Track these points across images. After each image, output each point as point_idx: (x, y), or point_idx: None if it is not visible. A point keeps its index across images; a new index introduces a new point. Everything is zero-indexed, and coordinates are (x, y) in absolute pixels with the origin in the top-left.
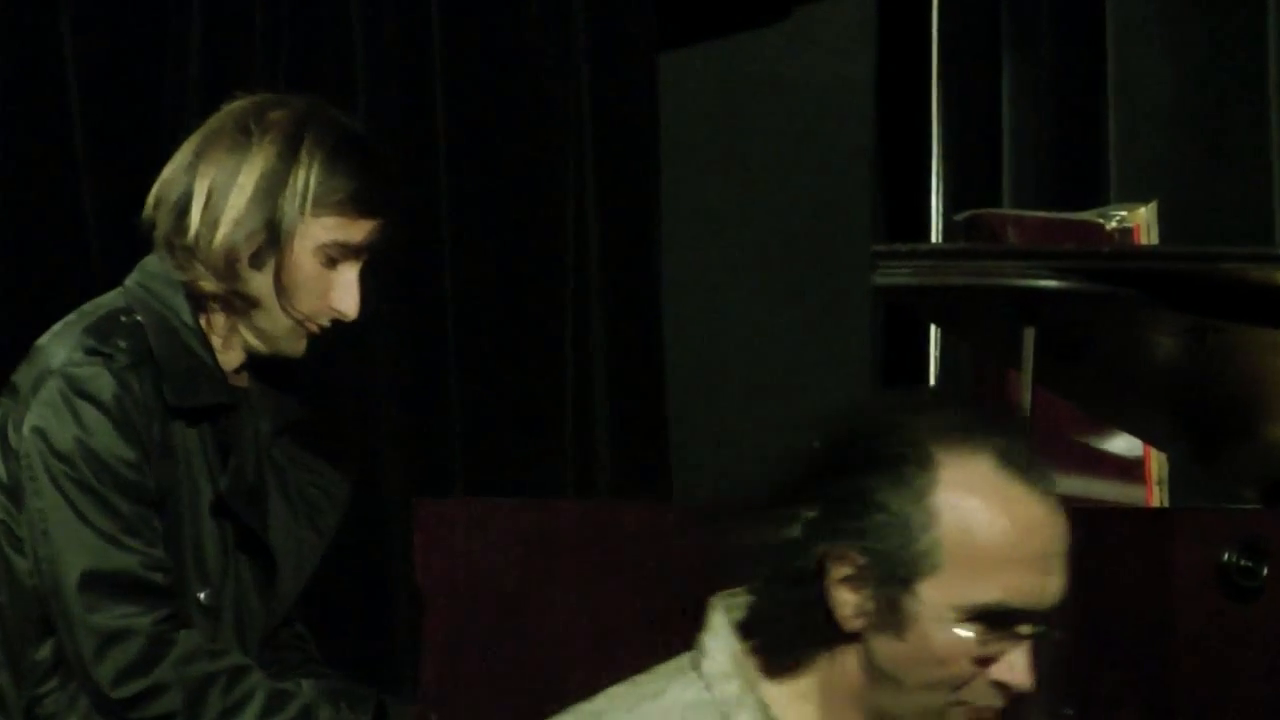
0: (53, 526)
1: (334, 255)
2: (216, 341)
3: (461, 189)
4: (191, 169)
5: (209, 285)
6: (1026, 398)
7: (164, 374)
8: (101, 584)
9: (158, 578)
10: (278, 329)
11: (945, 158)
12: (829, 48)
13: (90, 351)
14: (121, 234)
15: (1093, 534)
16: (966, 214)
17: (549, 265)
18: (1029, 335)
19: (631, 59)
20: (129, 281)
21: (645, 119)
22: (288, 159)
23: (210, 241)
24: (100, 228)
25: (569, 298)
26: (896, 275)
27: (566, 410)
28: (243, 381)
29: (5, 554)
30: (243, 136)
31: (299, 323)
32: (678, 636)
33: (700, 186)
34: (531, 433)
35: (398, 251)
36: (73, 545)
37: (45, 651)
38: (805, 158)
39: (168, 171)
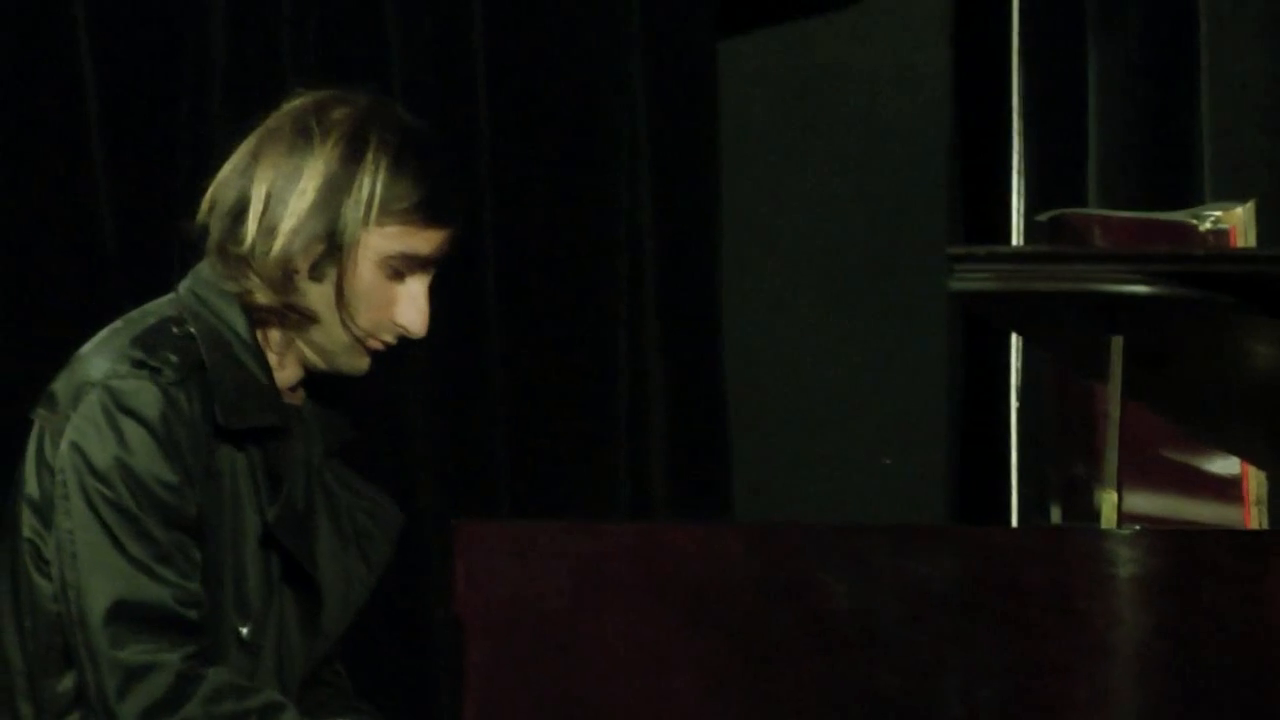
0: (82, 549)
1: (399, 267)
2: (273, 358)
3: (505, 188)
4: (248, 172)
5: (264, 298)
6: (1114, 412)
7: (215, 392)
8: (130, 616)
9: (190, 614)
10: (337, 345)
11: (1027, 153)
12: (901, 34)
13: (137, 364)
14: (140, 234)
15: (1187, 559)
16: (1050, 214)
17: (600, 269)
18: (1117, 344)
19: (689, 47)
20: (181, 288)
21: (704, 113)
22: (351, 163)
23: (267, 251)
24: (117, 227)
25: (621, 303)
26: (975, 280)
27: (619, 425)
28: (297, 400)
29: (30, 577)
30: (302, 138)
31: (359, 339)
32: (739, 670)
33: (763, 185)
34: (581, 449)
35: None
36: (102, 572)
37: (67, 683)
38: (876, 154)
39: (223, 174)
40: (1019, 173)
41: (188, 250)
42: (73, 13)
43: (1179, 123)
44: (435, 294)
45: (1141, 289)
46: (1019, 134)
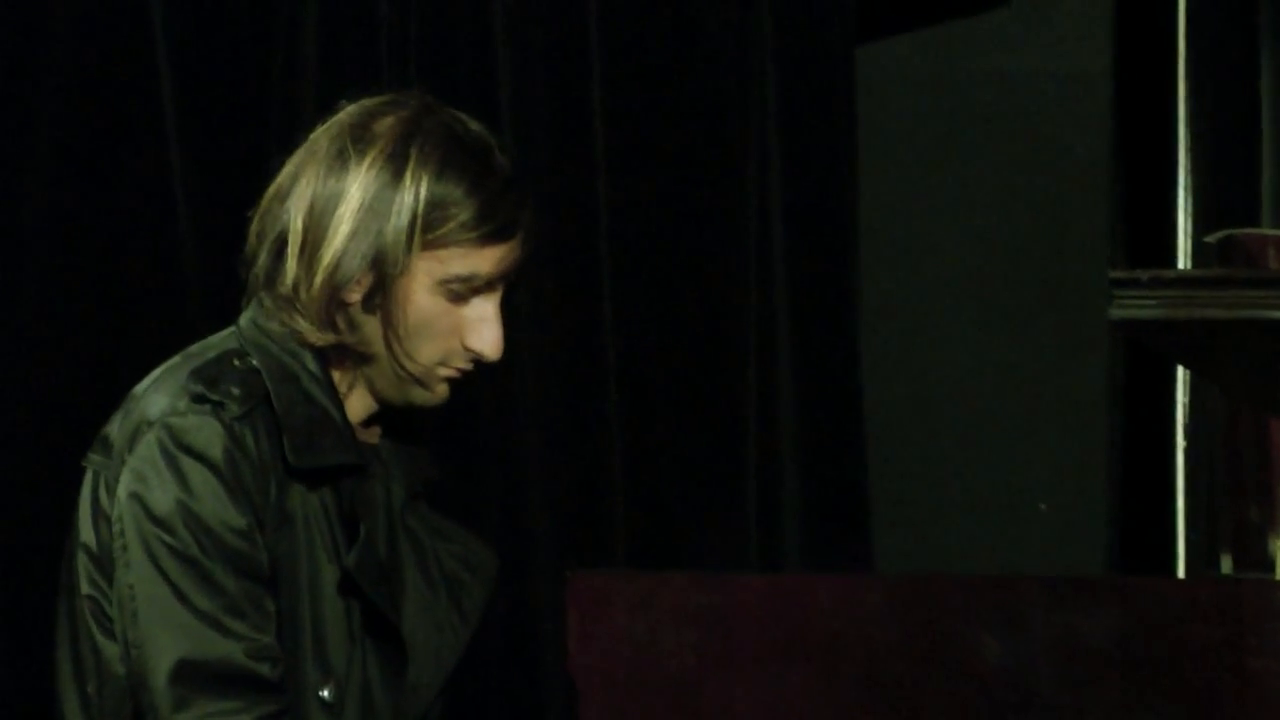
0: (144, 606)
1: (460, 291)
2: (341, 391)
3: (623, 204)
4: (288, 199)
5: (315, 338)
6: None
7: (284, 428)
8: (197, 676)
9: (264, 669)
10: (404, 379)
11: (1194, 168)
12: (1058, 37)
13: (197, 399)
14: (223, 257)
15: None
16: (1220, 234)
17: (727, 293)
18: None
19: (825, 51)
20: (242, 321)
21: (841, 123)
22: (390, 184)
23: (309, 288)
24: (198, 248)
25: (751, 331)
26: (1138, 307)
27: (748, 466)
28: (373, 437)
29: (94, 637)
30: (339, 159)
31: (425, 371)
32: None
33: (904, 203)
34: (707, 493)
35: (548, 276)
36: (165, 629)
37: None
38: (1028, 169)
39: (266, 199)
40: (1186, 189)
41: (239, 286)
42: (150, 16)
43: None
44: (546, 324)
45: None
46: (1186, 146)
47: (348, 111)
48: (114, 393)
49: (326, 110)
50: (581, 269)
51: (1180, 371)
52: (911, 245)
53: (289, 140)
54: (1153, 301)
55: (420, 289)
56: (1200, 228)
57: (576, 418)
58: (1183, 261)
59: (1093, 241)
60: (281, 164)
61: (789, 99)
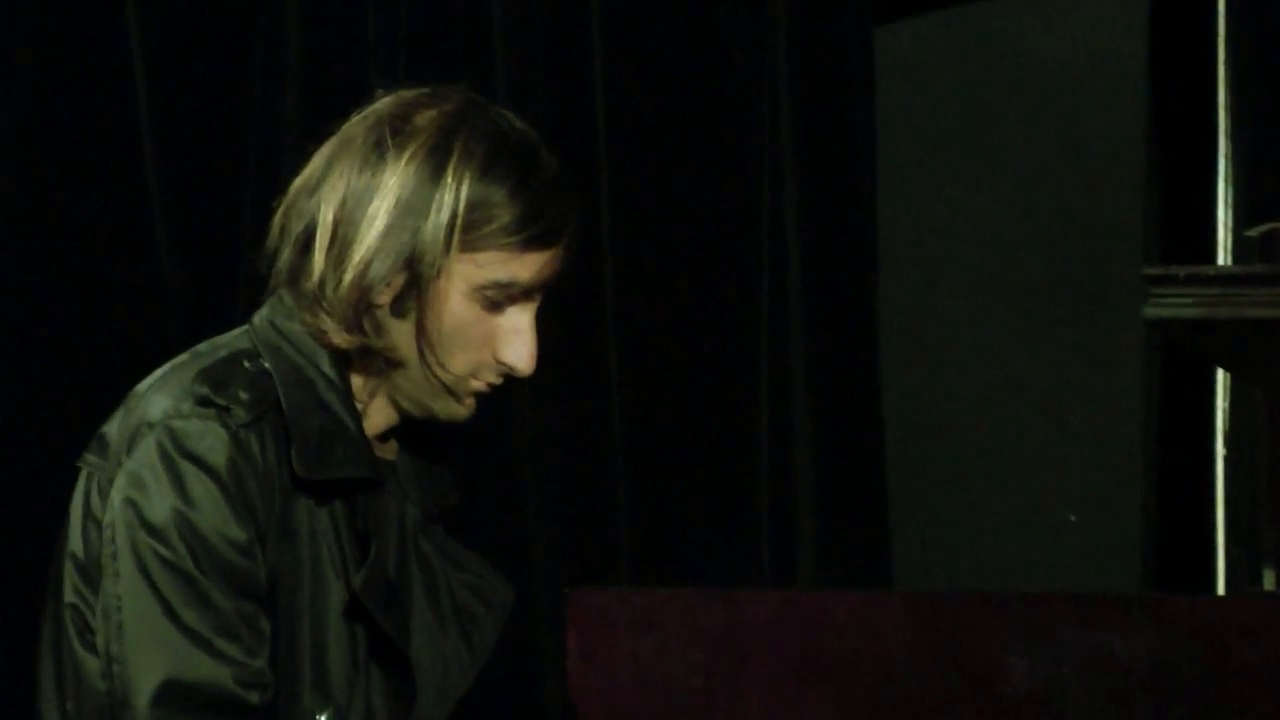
0: (131, 620)
1: (496, 298)
2: (361, 400)
3: (627, 200)
4: (317, 192)
5: (339, 339)
6: None
7: (293, 436)
8: (182, 699)
9: (253, 696)
10: (430, 390)
11: (1235, 157)
12: (1089, 19)
13: (202, 402)
14: (200, 253)
15: None
16: (1262, 228)
17: (737, 293)
18: None
19: (841, 32)
20: (256, 319)
21: (858, 108)
22: (429, 180)
23: (336, 286)
24: (173, 245)
25: (763, 335)
26: (1175, 306)
27: (760, 478)
28: (390, 453)
29: (74, 649)
30: (376, 151)
31: (455, 383)
32: None
33: (925, 197)
34: (715, 507)
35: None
36: (152, 645)
37: None
38: (1059, 159)
39: (291, 192)
40: (1226, 180)
41: (257, 283)
42: (126, 19)
43: None
44: (546, 326)
45: None
46: (1226, 134)
47: (385, 102)
48: (91, 395)
49: (312, 112)
50: (584, 272)
51: (1220, 374)
52: (934, 241)
53: (272, 141)
54: (1190, 300)
55: (455, 294)
56: (1241, 221)
57: (578, 425)
58: (1222, 257)
59: (1127, 236)
60: (309, 155)
61: (803, 91)
